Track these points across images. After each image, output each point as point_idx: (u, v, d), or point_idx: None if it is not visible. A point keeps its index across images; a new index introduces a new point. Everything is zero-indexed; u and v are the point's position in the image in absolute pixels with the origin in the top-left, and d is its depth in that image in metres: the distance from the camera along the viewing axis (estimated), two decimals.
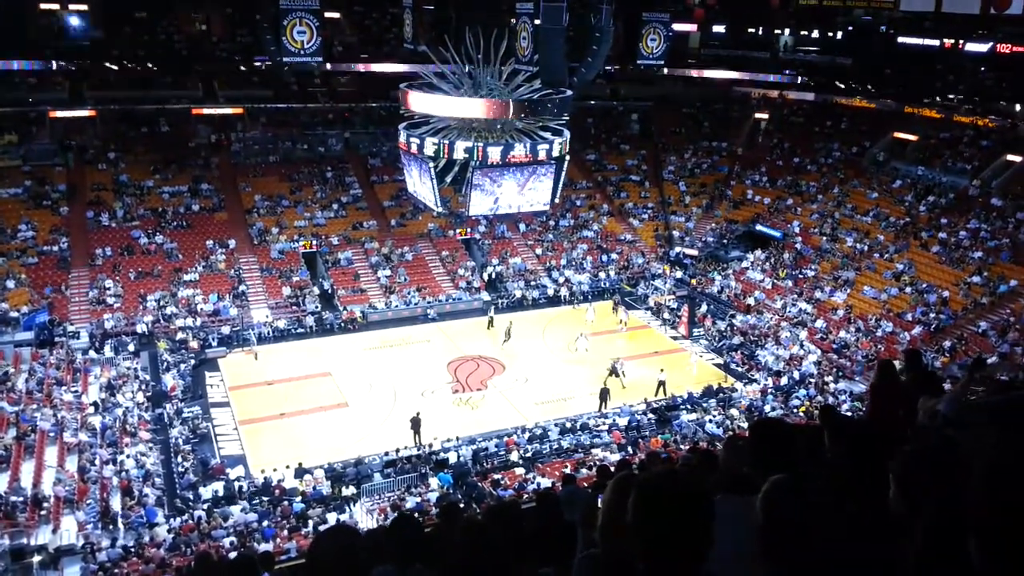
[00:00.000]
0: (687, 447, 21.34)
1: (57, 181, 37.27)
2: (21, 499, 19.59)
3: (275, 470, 22.64)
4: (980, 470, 1.48)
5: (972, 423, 4.13)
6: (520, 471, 23.34)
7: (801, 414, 25.86)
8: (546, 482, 21.07)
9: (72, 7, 38.99)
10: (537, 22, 25.94)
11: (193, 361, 30.10)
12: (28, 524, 18.87)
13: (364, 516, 21.22)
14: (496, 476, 22.83)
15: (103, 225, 36.12)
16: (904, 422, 5.34)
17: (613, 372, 29.21)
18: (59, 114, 38.80)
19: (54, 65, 37.69)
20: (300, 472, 22.64)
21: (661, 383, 28.75)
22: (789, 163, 45.43)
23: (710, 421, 26.16)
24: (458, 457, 23.73)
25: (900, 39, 44.85)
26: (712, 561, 2.10)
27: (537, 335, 34.13)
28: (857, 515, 2.48)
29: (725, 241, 42.38)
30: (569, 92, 25.35)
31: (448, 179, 25.04)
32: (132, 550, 18.47)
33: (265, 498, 21.52)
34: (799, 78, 47.80)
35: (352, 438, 25.17)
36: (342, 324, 34.15)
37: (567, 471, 20.18)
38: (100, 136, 40.10)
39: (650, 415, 27.07)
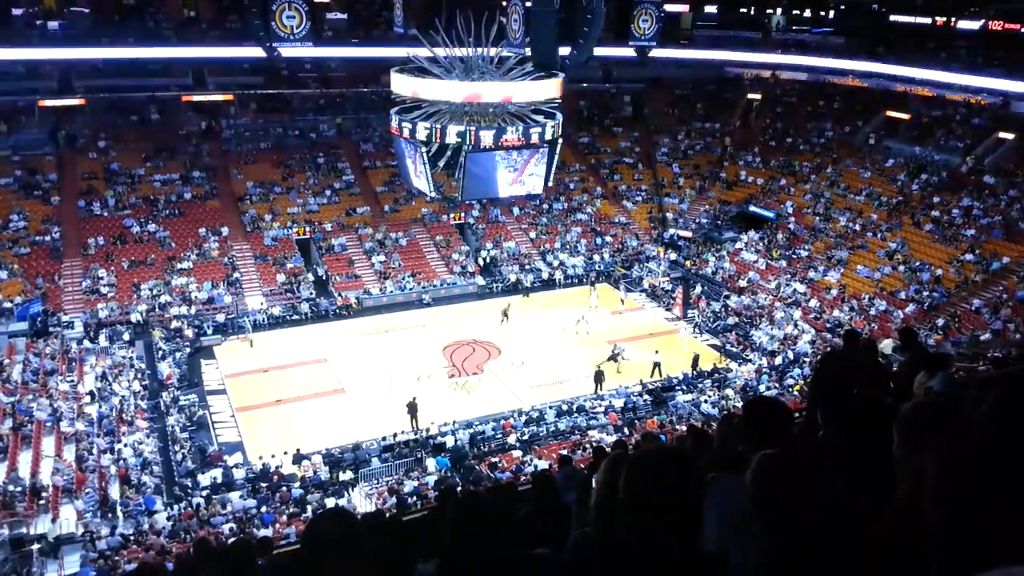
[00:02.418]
0: (683, 428, 21.45)
1: (48, 171, 37.06)
2: (19, 489, 19.61)
3: (273, 456, 22.70)
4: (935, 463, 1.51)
5: (964, 397, 4.16)
6: (517, 454, 23.45)
7: (796, 393, 25.98)
8: (543, 464, 21.17)
9: None
10: (528, 4, 25.81)
11: (188, 349, 30.10)
12: (27, 514, 18.91)
13: (362, 501, 21.31)
14: (493, 459, 22.95)
15: (95, 214, 35.95)
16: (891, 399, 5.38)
17: (612, 357, 29.27)
18: (48, 103, 38.52)
19: (43, 53, 37.31)
20: (298, 458, 22.72)
21: (656, 364, 28.88)
22: (782, 143, 45.38)
23: (706, 401, 26.28)
24: (455, 441, 23.83)
25: (892, 16, 44.77)
26: (706, 538, 2.12)
27: (532, 318, 34.15)
28: (851, 488, 2.52)
29: (719, 222, 42.39)
30: (561, 74, 25.26)
31: (441, 164, 24.99)
32: (131, 537, 18.55)
33: (264, 484, 21.59)
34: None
35: (349, 423, 25.25)
36: (337, 310, 34.14)
37: (564, 453, 20.27)
38: (90, 125, 39.83)
39: (646, 396, 27.18)
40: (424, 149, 24.31)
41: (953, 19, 41.25)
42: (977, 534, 1.41)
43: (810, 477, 2.22)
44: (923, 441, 2.51)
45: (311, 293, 34.86)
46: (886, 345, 28.36)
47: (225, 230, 36.85)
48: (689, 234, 41.93)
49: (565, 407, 26.30)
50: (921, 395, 5.41)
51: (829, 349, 27.57)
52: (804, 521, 2.16)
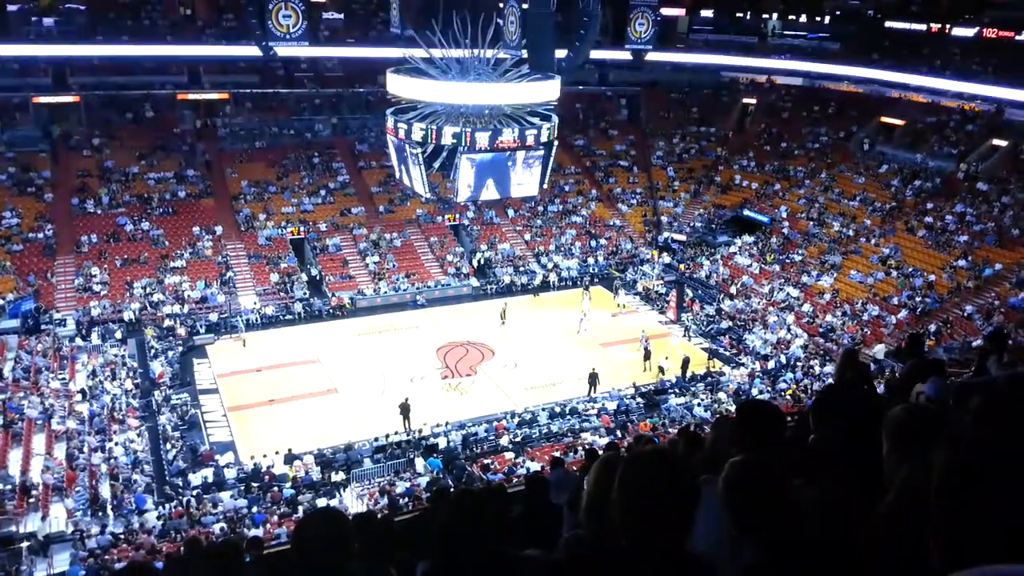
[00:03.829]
0: (674, 431, 21.46)
1: (41, 168, 36.93)
2: (9, 487, 19.54)
3: (264, 456, 22.64)
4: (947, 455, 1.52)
5: (954, 402, 4.18)
6: (510, 455, 23.43)
7: (788, 397, 26.04)
8: (536, 466, 21.17)
9: None
10: (525, 6, 25.84)
11: (181, 348, 29.99)
12: (17, 512, 18.83)
13: (354, 501, 21.27)
14: (486, 460, 22.93)
15: (88, 212, 35.82)
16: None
17: (647, 353, 29.58)
18: (42, 100, 38.40)
19: (37, 50, 37.21)
20: (290, 458, 22.66)
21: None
22: (776, 148, 45.51)
23: (698, 405, 26.30)
24: (448, 442, 23.81)
25: (887, 23, 44.96)
26: (698, 541, 2.12)
27: (526, 320, 34.13)
28: (835, 492, 2.52)
29: (713, 226, 42.45)
30: (557, 77, 25.27)
31: (436, 165, 24.96)
32: (122, 536, 18.47)
33: (255, 484, 21.53)
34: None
35: (342, 424, 25.19)
36: (330, 310, 34.07)
37: (556, 455, 20.27)
38: (84, 122, 39.71)
39: (639, 399, 27.20)
40: (420, 150, 24.29)
41: (948, 26, 41.44)
42: (979, 535, 1.43)
43: (779, 482, 2.22)
44: (912, 446, 2.52)
45: (305, 293, 34.79)
46: (879, 350, 28.49)
47: (219, 229, 36.75)
48: (683, 237, 42.01)
49: (558, 409, 26.30)
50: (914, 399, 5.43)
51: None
52: (775, 525, 2.17)
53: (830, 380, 26.61)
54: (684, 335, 33.26)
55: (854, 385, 5.43)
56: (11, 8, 38.07)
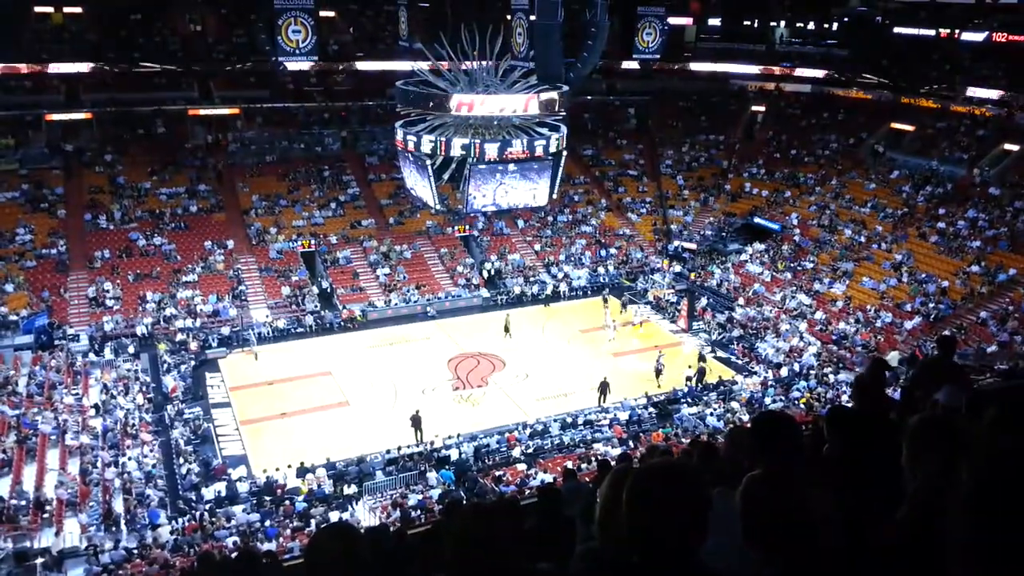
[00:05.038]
0: (688, 441, 21.34)
1: (54, 184, 37.23)
2: (24, 502, 19.58)
3: (277, 469, 22.64)
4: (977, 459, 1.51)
5: (968, 409, 4.14)
6: (522, 467, 23.34)
7: (802, 406, 25.86)
8: (548, 478, 21.07)
9: (67, 9, 39.02)
10: (532, 18, 25.93)
11: (193, 362, 30.08)
12: (31, 527, 18.87)
13: (366, 514, 21.23)
14: (498, 472, 22.85)
15: (101, 227, 36.07)
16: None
17: (658, 371, 29.40)
18: (55, 117, 38.76)
19: (50, 68, 37.58)
20: (302, 471, 22.65)
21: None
22: (786, 155, 45.40)
23: (711, 414, 26.15)
24: (459, 454, 23.74)
25: (896, 29, 44.86)
26: (711, 554, 2.10)
27: (537, 331, 34.11)
28: (850, 508, 2.50)
29: (723, 234, 42.37)
30: (566, 87, 25.33)
31: (446, 176, 25.04)
32: (135, 551, 18.48)
33: (267, 498, 21.52)
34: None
35: (353, 436, 25.17)
36: (342, 323, 34.14)
37: (569, 467, 20.18)
38: (97, 138, 40.04)
39: (651, 409, 27.07)
40: (429, 162, 24.38)
41: (957, 31, 41.26)
42: (1003, 550, 1.42)
43: (798, 496, 2.20)
44: (928, 454, 2.51)
45: (316, 306, 34.87)
46: (892, 357, 28.28)
47: (230, 243, 36.94)
48: (694, 246, 41.92)
49: (570, 420, 26.21)
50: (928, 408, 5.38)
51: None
52: (793, 538, 2.15)
53: (845, 388, 26.51)
54: (709, 347, 32.75)
55: (874, 398, 5.39)
56: (24, 26, 38.42)
